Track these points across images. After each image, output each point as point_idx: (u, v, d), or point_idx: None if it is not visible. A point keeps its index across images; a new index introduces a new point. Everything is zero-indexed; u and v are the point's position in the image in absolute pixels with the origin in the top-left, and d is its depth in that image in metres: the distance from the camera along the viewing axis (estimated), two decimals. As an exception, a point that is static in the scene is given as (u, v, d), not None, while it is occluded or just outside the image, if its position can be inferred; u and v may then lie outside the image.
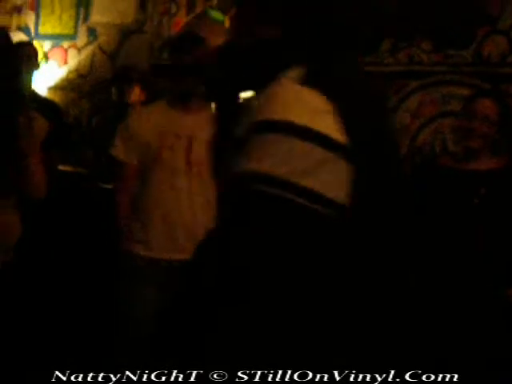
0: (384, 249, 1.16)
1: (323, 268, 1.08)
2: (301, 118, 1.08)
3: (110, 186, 3.30)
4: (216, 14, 4.61)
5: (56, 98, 4.94)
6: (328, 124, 1.08)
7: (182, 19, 4.68)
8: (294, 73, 1.14)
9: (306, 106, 1.09)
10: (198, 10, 4.62)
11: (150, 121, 2.78)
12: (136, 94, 3.99)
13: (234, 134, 1.19)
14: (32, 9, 5.39)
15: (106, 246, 3.00)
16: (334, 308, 1.09)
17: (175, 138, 2.74)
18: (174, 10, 4.72)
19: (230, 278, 1.10)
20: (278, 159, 1.07)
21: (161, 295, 2.68)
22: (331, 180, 1.08)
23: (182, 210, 2.72)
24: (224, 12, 4.48)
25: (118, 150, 2.79)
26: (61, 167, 3.78)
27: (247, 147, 1.12)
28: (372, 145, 1.13)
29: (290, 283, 1.08)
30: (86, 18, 5.12)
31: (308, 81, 1.11)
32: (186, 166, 2.72)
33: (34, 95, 3.81)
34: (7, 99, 2.44)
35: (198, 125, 2.76)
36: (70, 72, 5.13)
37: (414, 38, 3.75)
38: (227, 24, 4.20)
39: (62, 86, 5.10)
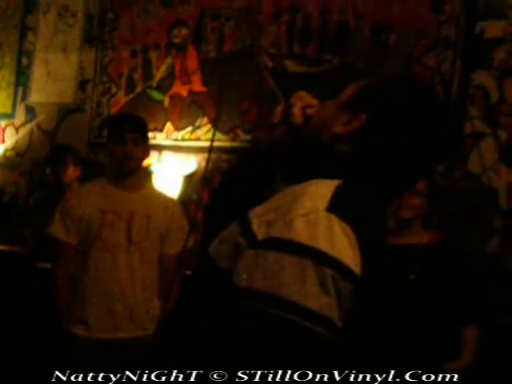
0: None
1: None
2: (330, 249, 1.05)
3: (48, 266, 3.24)
4: (155, 94, 4.72)
5: (-8, 176, 4.89)
6: (354, 257, 1.06)
7: (121, 99, 4.75)
8: (327, 190, 1.12)
9: (336, 238, 1.06)
10: (138, 90, 4.71)
11: (89, 199, 2.76)
12: (71, 173, 3.97)
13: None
14: (-31, 88, 5.38)
15: (46, 326, 2.92)
16: None
17: (115, 216, 2.73)
18: (113, 90, 4.79)
19: None
20: (302, 285, 1.04)
21: (103, 370, 2.64)
22: (342, 306, 1.07)
23: (123, 288, 2.69)
24: (163, 92, 4.59)
25: (57, 229, 2.75)
26: (-1, 246, 3.71)
27: (271, 265, 1.07)
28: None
29: None
30: (24, 97, 5.14)
31: (338, 205, 1.09)
32: (126, 243, 2.71)
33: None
34: None
35: (138, 201, 2.78)
36: (7, 150, 5.10)
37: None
38: (167, 104, 4.29)
39: (0, 164, 5.05)
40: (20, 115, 5.12)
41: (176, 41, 4.59)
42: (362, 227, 1.08)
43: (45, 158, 4.54)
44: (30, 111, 5.09)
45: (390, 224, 2.97)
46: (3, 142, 5.14)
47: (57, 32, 5.04)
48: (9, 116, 5.16)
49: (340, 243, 1.05)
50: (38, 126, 5.02)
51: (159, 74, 4.63)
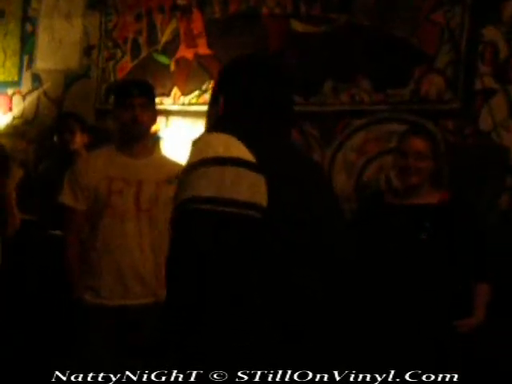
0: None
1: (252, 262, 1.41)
2: (227, 151, 1.44)
3: (58, 233, 3.26)
4: (161, 58, 4.68)
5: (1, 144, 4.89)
6: (239, 150, 1.45)
7: (127, 64, 4.72)
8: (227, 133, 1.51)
9: (232, 143, 1.46)
10: (144, 54, 4.67)
11: (97, 166, 2.77)
12: (78, 140, 3.97)
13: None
14: (-26, 57, 5.35)
15: (57, 293, 2.96)
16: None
17: (124, 183, 2.73)
18: (119, 55, 4.75)
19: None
20: (209, 184, 1.41)
21: (112, 340, 2.67)
22: (249, 188, 1.41)
23: (132, 255, 2.70)
24: (169, 56, 4.55)
25: (66, 197, 2.76)
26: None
27: (186, 182, 1.46)
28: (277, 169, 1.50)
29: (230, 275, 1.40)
30: (29, 65, 5.11)
31: (213, 128, 1.58)
32: (135, 210, 2.72)
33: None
34: None
35: (146, 168, 2.78)
36: (14, 118, 5.09)
37: (355, 79, 3.86)
38: (173, 68, 4.30)
39: (8, 133, 5.05)
40: (26, 83, 5.11)
41: (180, 3, 4.53)
42: (243, 137, 1.47)
43: (52, 126, 4.54)
44: (36, 78, 5.07)
45: (398, 187, 2.96)
46: (10, 110, 5.14)
47: (59, -2, 4.99)
48: (15, 84, 5.15)
49: (225, 145, 1.45)
50: (45, 94, 5.01)
51: (164, 37, 4.58)
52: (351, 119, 3.90)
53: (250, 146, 1.46)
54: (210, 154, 1.44)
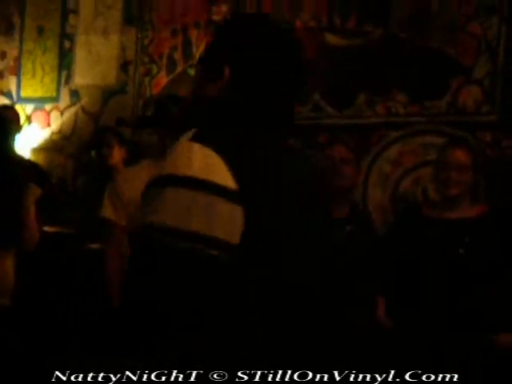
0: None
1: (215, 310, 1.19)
2: (189, 170, 1.18)
3: (97, 246, 3.30)
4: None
5: (40, 159, 4.97)
6: (217, 172, 1.18)
7: (162, 79, 4.77)
8: (189, 133, 1.25)
9: (195, 158, 1.19)
10: (179, 69, 4.72)
11: (135, 181, 2.79)
12: (116, 155, 4.01)
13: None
14: (13, 73, 5.46)
15: (97, 306, 2.99)
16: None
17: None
18: (154, 70, 4.81)
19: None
20: (168, 210, 1.18)
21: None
22: (221, 222, 1.17)
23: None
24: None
25: (107, 211, 2.81)
26: (47, 228, 3.78)
27: (147, 200, 1.24)
28: (264, 189, 1.24)
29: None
30: (67, 81, 5.20)
31: (197, 137, 1.23)
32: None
33: (17, 158, 3.84)
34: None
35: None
36: (53, 134, 5.18)
37: (390, 91, 3.85)
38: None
39: (46, 148, 5.14)
40: (64, 98, 5.18)
41: (216, 18, 4.57)
42: (229, 153, 1.20)
43: (90, 141, 4.60)
44: (74, 94, 5.15)
45: (438, 199, 2.94)
46: (49, 125, 5.22)
47: (97, 14, 5.07)
48: (53, 99, 5.23)
49: (203, 165, 1.18)
50: (83, 109, 5.08)
51: (199, 52, 4.62)
52: (387, 131, 3.88)
53: (241, 161, 1.22)
54: (184, 171, 1.19)
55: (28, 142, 5.01)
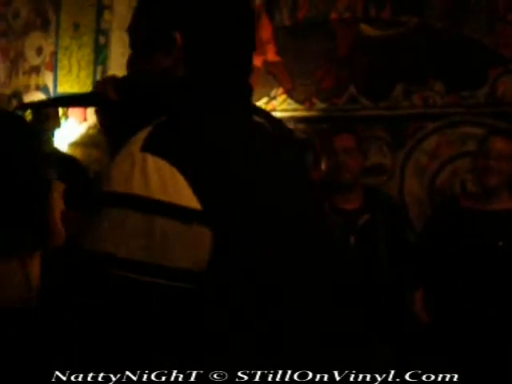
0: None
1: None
2: (143, 189, 0.97)
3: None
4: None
5: (77, 153, 5.03)
6: (176, 191, 0.97)
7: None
8: (143, 133, 1.02)
9: (150, 177, 0.97)
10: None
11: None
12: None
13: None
14: (50, 69, 5.53)
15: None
16: None
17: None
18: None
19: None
20: (120, 237, 0.97)
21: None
22: (184, 250, 0.97)
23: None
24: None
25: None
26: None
27: (92, 219, 1.01)
28: (240, 200, 1.02)
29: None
30: (103, 76, 5.24)
31: (152, 143, 1.00)
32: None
33: (56, 153, 3.89)
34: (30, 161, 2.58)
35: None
36: (89, 128, 5.23)
37: (427, 82, 3.80)
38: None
39: (83, 142, 5.20)
40: (100, 93, 5.23)
41: (249, 11, 4.56)
42: (192, 163, 0.98)
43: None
44: (110, 89, 5.19)
45: (476, 190, 2.90)
46: (85, 120, 5.28)
47: (131, 10, 5.08)
48: (89, 95, 5.29)
49: (157, 181, 0.96)
50: (118, 104, 5.12)
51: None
52: (423, 122, 3.83)
53: (204, 172, 1.00)
54: (137, 188, 0.97)
55: (65, 136, 5.08)
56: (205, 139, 1.02)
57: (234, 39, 1.15)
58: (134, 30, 1.22)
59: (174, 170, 0.97)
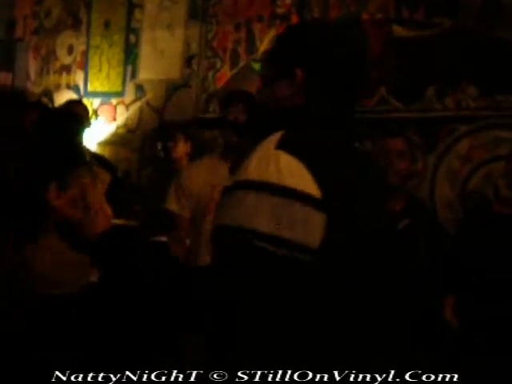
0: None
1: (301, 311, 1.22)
2: (277, 178, 1.21)
3: (162, 239, 3.33)
4: (259, 67, 4.70)
5: (105, 152, 5.06)
6: (302, 181, 1.21)
7: (226, 73, 4.77)
8: (276, 137, 1.27)
9: (281, 166, 1.22)
10: (242, 63, 4.71)
11: (201, 176, 2.84)
12: (181, 149, 4.05)
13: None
14: (81, 68, 5.58)
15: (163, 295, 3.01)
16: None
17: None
18: (218, 64, 4.82)
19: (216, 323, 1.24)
20: (268, 217, 1.19)
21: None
22: (307, 229, 1.20)
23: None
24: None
25: (172, 203, 2.86)
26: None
27: (234, 202, 1.24)
28: (347, 196, 1.26)
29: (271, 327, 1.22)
30: (133, 76, 5.27)
31: (283, 144, 1.25)
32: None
33: (86, 151, 3.90)
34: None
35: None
36: (118, 127, 5.26)
37: (460, 84, 3.75)
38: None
39: (112, 141, 5.22)
40: (130, 93, 5.26)
41: (279, 11, 4.54)
42: (315, 161, 1.23)
43: (155, 135, 4.65)
44: (139, 88, 5.21)
45: (507, 196, 2.84)
46: (115, 119, 5.31)
47: (162, 9, 5.11)
48: (119, 94, 5.31)
49: (287, 172, 1.20)
50: (147, 103, 5.14)
51: (263, 46, 4.60)
52: (455, 125, 3.78)
53: (323, 169, 1.24)
54: (276, 178, 1.21)
55: (94, 135, 5.10)
56: (321, 145, 1.30)
57: (344, 77, 1.39)
58: (265, 67, 1.46)
59: (301, 165, 1.21)
